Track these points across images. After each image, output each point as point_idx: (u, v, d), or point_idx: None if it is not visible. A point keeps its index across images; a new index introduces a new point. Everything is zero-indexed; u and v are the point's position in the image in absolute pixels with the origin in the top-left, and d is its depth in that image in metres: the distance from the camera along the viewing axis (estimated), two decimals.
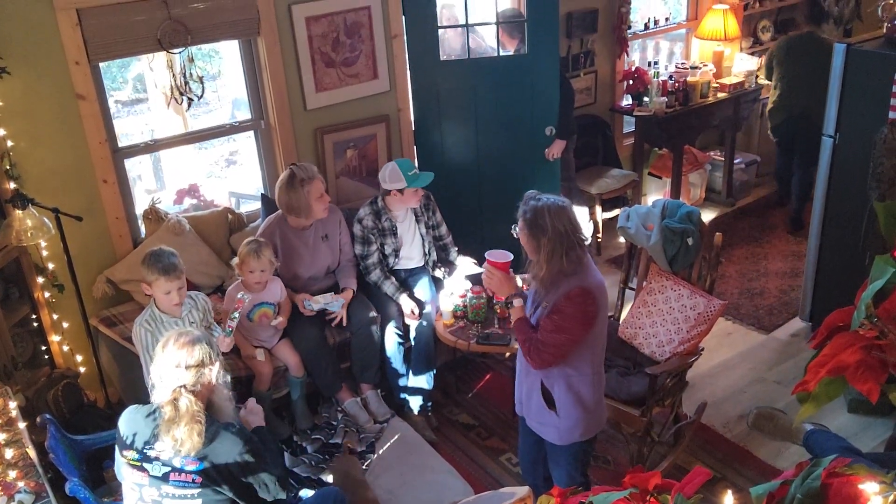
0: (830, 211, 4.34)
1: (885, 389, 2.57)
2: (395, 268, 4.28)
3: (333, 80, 4.51)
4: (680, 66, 5.96)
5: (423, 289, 4.22)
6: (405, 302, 4.13)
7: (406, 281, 4.28)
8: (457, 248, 4.40)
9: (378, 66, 4.64)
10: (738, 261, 5.56)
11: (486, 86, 4.74)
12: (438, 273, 4.31)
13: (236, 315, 3.52)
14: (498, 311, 3.98)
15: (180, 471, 2.50)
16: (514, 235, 2.88)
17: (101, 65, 4.01)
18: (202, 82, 4.15)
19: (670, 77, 5.79)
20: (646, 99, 5.67)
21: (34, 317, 3.88)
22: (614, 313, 4.14)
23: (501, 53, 4.82)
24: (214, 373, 2.59)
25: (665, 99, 5.60)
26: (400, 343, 4.13)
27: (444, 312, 4.03)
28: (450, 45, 4.97)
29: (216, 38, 4.29)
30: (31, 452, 2.86)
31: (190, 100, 4.13)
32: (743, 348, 4.66)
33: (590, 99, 5.77)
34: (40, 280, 3.87)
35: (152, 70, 4.14)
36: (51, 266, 3.93)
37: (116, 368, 3.99)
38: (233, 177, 6.93)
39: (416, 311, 4.12)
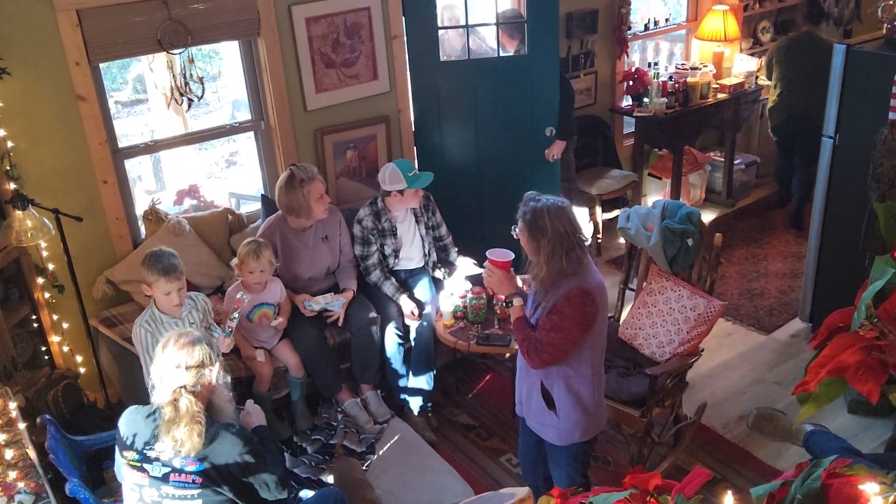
0: (830, 211, 4.34)
1: (885, 390, 2.57)
2: (395, 268, 4.28)
3: (333, 80, 4.52)
4: (680, 66, 5.96)
5: (423, 289, 4.22)
6: (405, 303, 4.13)
7: (406, 281, 4.28)
8: (457, 249, 4.40)
9: (378, 67, 4.64)
10: (738, 261, 5.56)
11: (487, 86, 4.74)
12: (438, 274, 4.31)
13: (236, 315, 3.52)
14: (498, 311, 3.98)
15: (180, 471, 2.50)
16: (514, 236, 2.88)
17: (101, 65, 4.01)
18: (202, 83, 4.15)
19: (670, 78, 5.79)
20: (646, 100, 5.67)
21: (34, 317, 3.88)
22: (614, 314, 4.14)
23: (501, 54, 4.82)
24: (214, 373, 2.60)
25: (665, 100, 5.60)
26: (400, 344, 4.13)
27: (445, 313, 4.03)
28: (451, 45, 4.98)
29: (216, 39, 4.29)
30: (31, 453, 2.86)
31: (190, 100, 4.13)
32: (743, 349, 4.66)
33: (590, 100, 5.77)
34: (40, 281, 3.87)
35: (152, 71, 4.14)
36: (51, 267, 3.93)
37: (116, 369, 3.99)
38: (233, 177, 6.94)
39: (416, 311, 4.12)
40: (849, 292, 2.96)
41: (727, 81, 5.95)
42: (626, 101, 5.90)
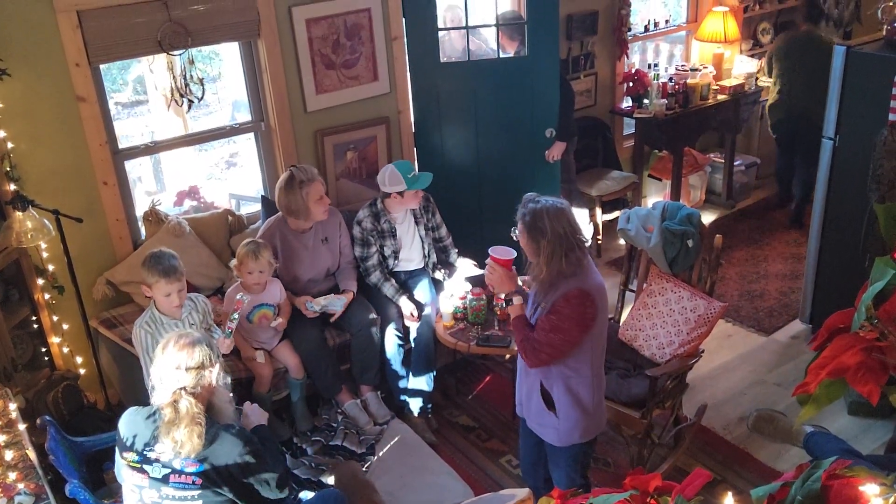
0: (830, 213, 4.34)
1: (885, 391, 2.57)
2: (395, 269, 4.28)
3: (334, 82, 4.52)
4: (680, 68, 5.96)
5: (423, 291, 4.22)
6: (405, 304, 4.13)
7: (406, 283, 4.28)
8: (457, 250, 4.40)
9: (378, 68, 4.64)
10: (739, 263, 5.56)
11: (487, 88, 4.74)
12: (438, 275, 4.31)
13: (236, 316, 3.51)
14: (498, 312, 3.98)
15: (180, 472, 2.50)
16: (514, 238, 2.88)
17: (101, 66, 4.01)
18: (202, 84, 4.15)
19: (670, 79, 5.79)
20: (646, 101, 5.67)
21: (34, 318, 3.88)
22: (614, 315, 4.14)
23: (501, 55, 4.83)
24: (214, 375, 2.59)
25: (665, 101, 5.60)
26: (400, 345, 4.13)
27: (444, 314, 4.03)
28: (452, 46, 4.98)
29: (216, 40, 4.29)
30: (31, 454, 2.86)
31: (190, 102, 4.13)
32: (743, 350, 4.66)
33: (590, 101, 5.77)
34: (40, 282, 3.87)
35: (152, 72, 4.14)
36: (51, 268, 3.93)
37: (116, 370, 3.99)
38: (233, 179, 6.94)
39: (416, 313, 4.12)
40: (849, 293, 2.96)
41: (727, 83, 5.95)
42: (626, 103, 5.91)
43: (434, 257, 4.34)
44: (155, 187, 6.55)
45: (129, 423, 2.60)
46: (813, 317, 4.60)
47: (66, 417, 3.79)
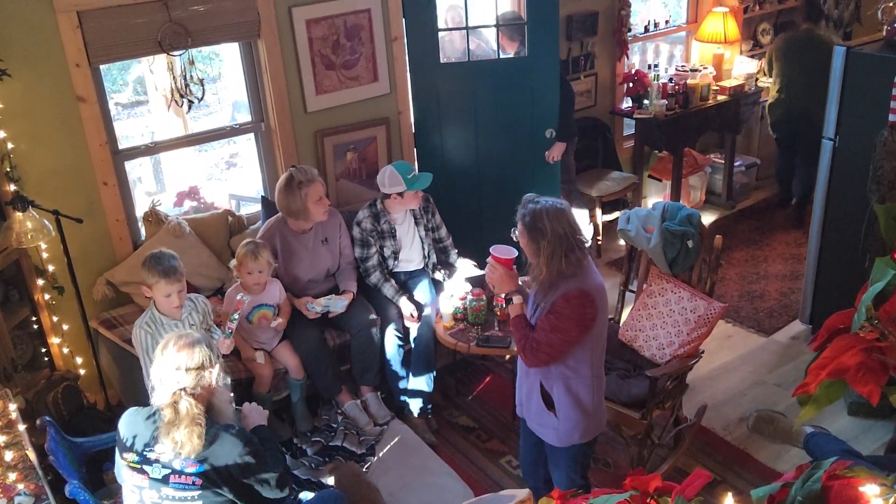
0: (830, 213, 4.34)
1: (885, 392, 2.57)
2: (395, 270, 4.28)
3: (334, 82, 4.52)
4: (680, 68, 5.97)
5: (422, 291, 4.22)
6: (405, 304, 4.13)
7: (406, 283, 4.28)
8: (457, 251, 4.40)
9: (378, 69, 4.64)
10: (738, 263, 5.56)
11: (487, 88, 4.74)
12: (438, 275, 4.31)
13: (236, 317, 3.51)
14: (498, 313, 3.98)
15: (180, 473, 2.50)
16: (514, 238, 2.88)
17: (101, 67, 4.01)
18: (202, 85, 4.16)
19: (670, 80, 5.79)
20: (646, 101, 5.67)
21: (34, 319, 3.88)
22: (614, 316, 4.14)
23: (502, 56, 4.83)
24: (214, 375, 2.59)
25: (665, 101, 5.60)
26: (400, 345, 4.13)
27: (444, 315, 4.03)
28: (453, 47, 4.98)
29: (216, 41, 4.29)
30: (31, 455, 2.86)
31: (190, 102, 4.13)
32: (743, 351, 4.66)
33: (590, 101, 5.77)
34: (40, 282, 3.87)
35: (153, 72, 4.14)
36: (51, 268, 3.93)
37: (116, 371, 3.99)
38: (233, 179, 6.94)
39: (416, 313, 4.12)
40: (849, 294, 2.95)
41: (727, 83, 5.96)
42: (626, 103, 5.91)
43: (434, 258, 4.34)
44: (155, 188, 6.55)
45: (129, 424, 2.60)
46: (813, 317, 4.60)
47: (65, 418, 3.79)
